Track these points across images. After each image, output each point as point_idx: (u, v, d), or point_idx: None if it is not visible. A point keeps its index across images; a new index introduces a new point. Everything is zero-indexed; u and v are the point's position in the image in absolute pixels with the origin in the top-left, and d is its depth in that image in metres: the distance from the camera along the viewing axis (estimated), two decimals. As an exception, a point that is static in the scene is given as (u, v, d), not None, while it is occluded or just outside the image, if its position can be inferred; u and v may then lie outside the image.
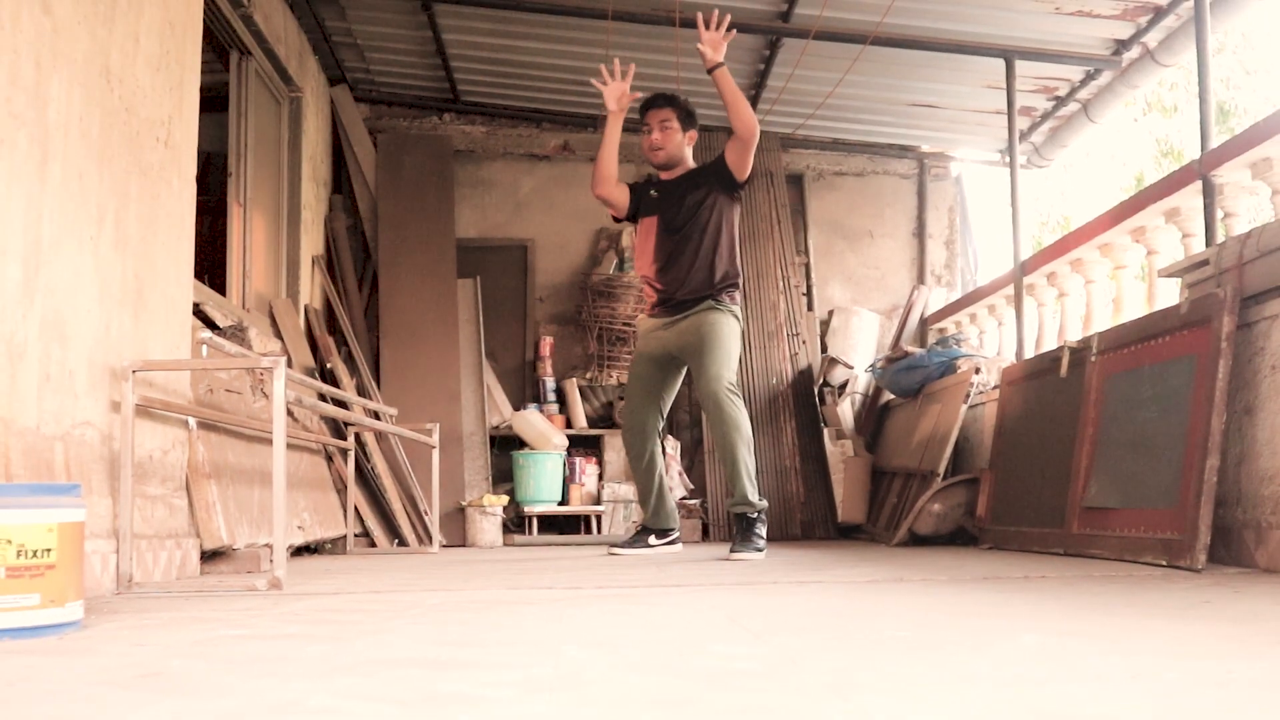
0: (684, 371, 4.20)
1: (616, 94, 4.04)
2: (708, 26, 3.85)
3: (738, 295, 4.08)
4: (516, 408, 6.13)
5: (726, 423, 3.88)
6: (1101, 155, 13.75)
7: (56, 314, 2.45)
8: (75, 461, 2.51)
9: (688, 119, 4.11)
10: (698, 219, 4.02)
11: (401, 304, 5.94)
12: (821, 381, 6.11)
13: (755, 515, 3.90)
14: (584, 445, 6.16)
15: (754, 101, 6.07)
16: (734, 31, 3.87)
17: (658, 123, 4.07)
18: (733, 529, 4.01)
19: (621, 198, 4.15)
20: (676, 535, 4.26)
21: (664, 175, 4.17)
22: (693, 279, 4.02)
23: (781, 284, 6.22)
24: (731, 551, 3.83)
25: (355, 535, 5.02)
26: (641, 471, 4.21)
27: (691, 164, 4.16)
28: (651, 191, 4.16)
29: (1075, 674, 1.22)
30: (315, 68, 5.86)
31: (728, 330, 3.98)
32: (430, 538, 5.21)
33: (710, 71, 3.84)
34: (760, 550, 3.85)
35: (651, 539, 4.19)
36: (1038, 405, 4.18)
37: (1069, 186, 14.16)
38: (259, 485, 3.67)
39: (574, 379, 6.26)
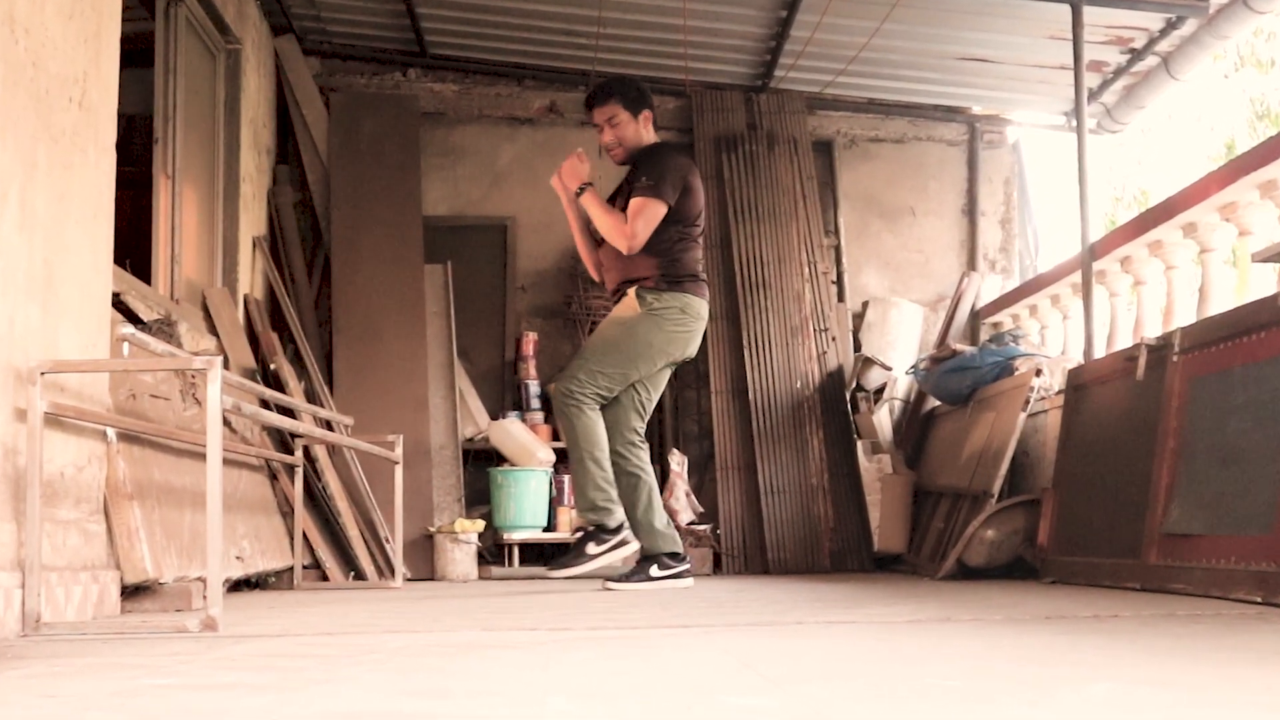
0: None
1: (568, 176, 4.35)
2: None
3: (679, 285, 4.25)
4: (494, 416, 6.14)
5: (564, 430, 4.35)
6: (1186, 118, 13.76)
7: (-49, 306, 2.45)
8: (-27, 480, 2.51)
9: (637, 103, 4.33)
10: (615, 205, 4.33)
11: (359, 293, 5.94)
12: (855, 385, 6.11)
13: (590, 530, 4.18)
14: (574, 461, 6.17)
15: (774, 54, 6.09)
16: (581, 150, 4.40)
17: (605, 120, 4.34)
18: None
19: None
20: (686, 566, 4.28)
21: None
22: (613, 266, 4.37)
23: (807, 270, 6.23)
24: (548, 566, 4.26)
25: (304, 567, 5.02)
26: (622, 486, 4.30)
27: (648, 141, 4.39)
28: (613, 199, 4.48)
29: (1153, 731, 1.22)
30: (256, 15, 5.86)
31: (619, 332, 4.25)
32: (392, 570, 5.21)
33: (578, 197, 4.30)
34: (578, 566, 4.15)
35: (654, 570, 4.21)
36: (1109, 413, 4.18)
37: (1147, 155, 14.17)
38: (190, 508, 3.68)
39: (562, 382, 6.26)
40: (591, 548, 4.20)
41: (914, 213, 6.82)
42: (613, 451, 4.30)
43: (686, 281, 4.26)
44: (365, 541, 5.32)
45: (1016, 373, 5.13)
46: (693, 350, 4.38)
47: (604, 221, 4.24)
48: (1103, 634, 2.29)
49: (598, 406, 4.22)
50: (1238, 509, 3.18)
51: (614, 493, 4.21)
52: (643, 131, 4.33)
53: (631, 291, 4.24)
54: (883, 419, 6.05)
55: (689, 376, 6.20)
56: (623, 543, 4.24)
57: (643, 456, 4.33)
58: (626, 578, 4.22)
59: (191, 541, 3.60)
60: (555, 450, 5.98)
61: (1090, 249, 5.16)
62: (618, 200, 4.36)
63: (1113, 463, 4.04)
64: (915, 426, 6.16)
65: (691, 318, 4.27)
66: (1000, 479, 4.81)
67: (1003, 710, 1.38)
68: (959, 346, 5.70)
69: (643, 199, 4.16)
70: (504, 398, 6.35)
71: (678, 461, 5.84)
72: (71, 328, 3.02)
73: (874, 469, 6.19)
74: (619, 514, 4.20)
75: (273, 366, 5.39)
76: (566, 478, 6.05)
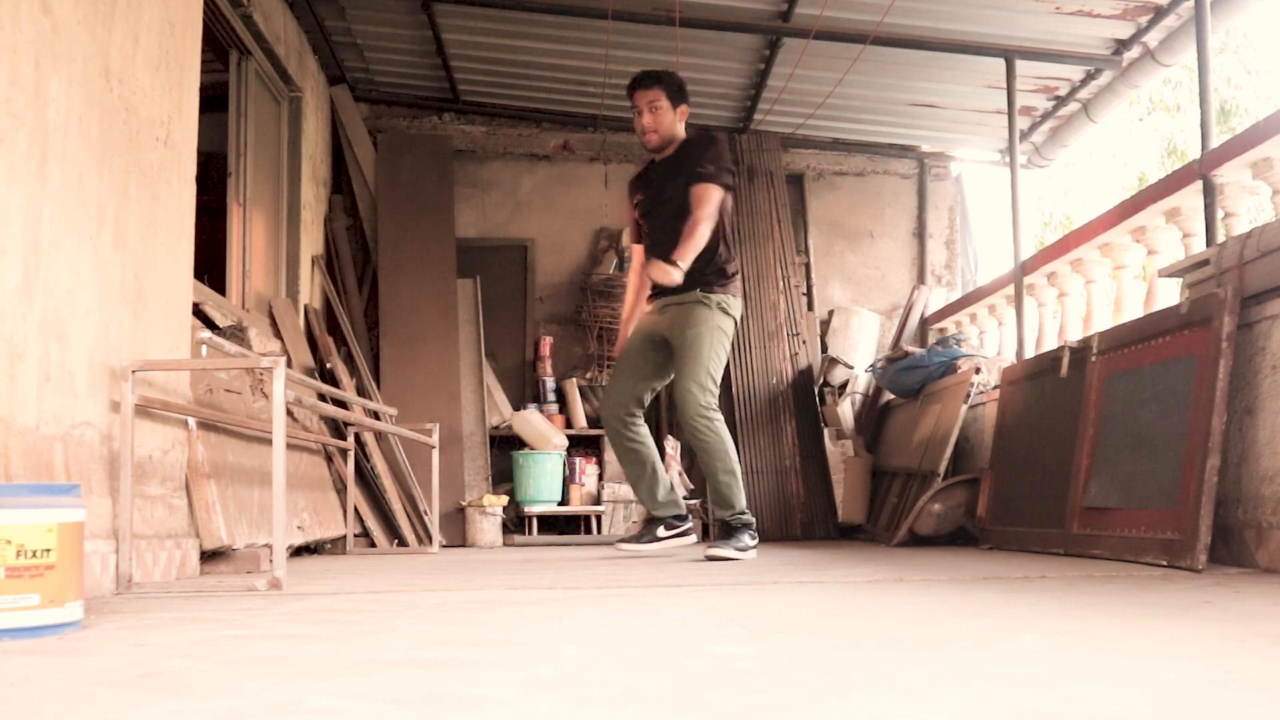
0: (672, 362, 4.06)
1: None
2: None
3: (732, 284, 3.94)
4: (516, 408, 6.13)
5: (705, 452, 3.85)
6: (1104, 155, 13.74)
7: (56, 314, 2.45)
8: (75, 461, 2.51)
9: (678, 94, 3.96)
10: (671, 203, 3.90)
11: (401, 304, 5.94)
12: (822, 381, 6.11)
13: (740, 523, 3.87)
14: (584, 445, 6.17)
15: (754, 101, 6.08)
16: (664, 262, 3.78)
17: (646, 104, 3.93)
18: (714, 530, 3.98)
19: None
20: (688, 526, 4.11)
21: (657, 157, 4.08)
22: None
23: (782, 284, 6.22)
24: (709, 549, 3.76)
25: (355, 535, 5.02)
26: (625, 459, 4.07)
27: (682, 136, 4.01)
28: (645, 180, 4.10)
29: (1075, 674, 1.22)
30: (315, 67, 5.86)
31: (710, 332, 3.84)
32: (430, 538, 5.21)
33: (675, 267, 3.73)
34: (743, 550, 3.76)
35: (660, 530, 4.04)
36: (1038, 405, 4.18)
37: (1072, 185, 14.16)
38: (259, 485, 3.68)
39: (574, 379, 6.26)
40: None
41: (872, 235, 6.81)
42: (626, 435, 4.04)
43: (735, 282, 3.97)
44: (407, 513, 5.32)
45: (959, 371, 5.13)
46: None
47: (695, 242, 3.77)
48: (1032, 592, 2.29)
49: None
50: (1147, 486, 3.19)
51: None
52: (678, 123, 3.96)
53: (695, 298, 3.86)
54: (846, 410, 6.05)
55: (681, 374, 6.18)
56: (689, 530, 4.05)
57: (643, 431, 4.07)
58: (636, 539, 4.06)
59: (259, 513, 3.60)
60: (568, 437, 5.99)
61: (1021, 266, 5.16)
62: (666, 188, 3.93)
63: (1041, 447, 4.04)
64: (873, 416, 6.16)
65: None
66: (945, 461, 4.81)
67: (947, 656, 1.38)
68: (910, 348, 5.70)
69: (705, 185, 3.79)
70: (524, 392, 6.35)
71: (672, 446, 5.83)
72: (158, 332, 3.02)
73: (838, 452, 6.19)
74: (748, 516, 3.93)
75: (329, 365, 5.39)
76: (578, 459, 6.06)
